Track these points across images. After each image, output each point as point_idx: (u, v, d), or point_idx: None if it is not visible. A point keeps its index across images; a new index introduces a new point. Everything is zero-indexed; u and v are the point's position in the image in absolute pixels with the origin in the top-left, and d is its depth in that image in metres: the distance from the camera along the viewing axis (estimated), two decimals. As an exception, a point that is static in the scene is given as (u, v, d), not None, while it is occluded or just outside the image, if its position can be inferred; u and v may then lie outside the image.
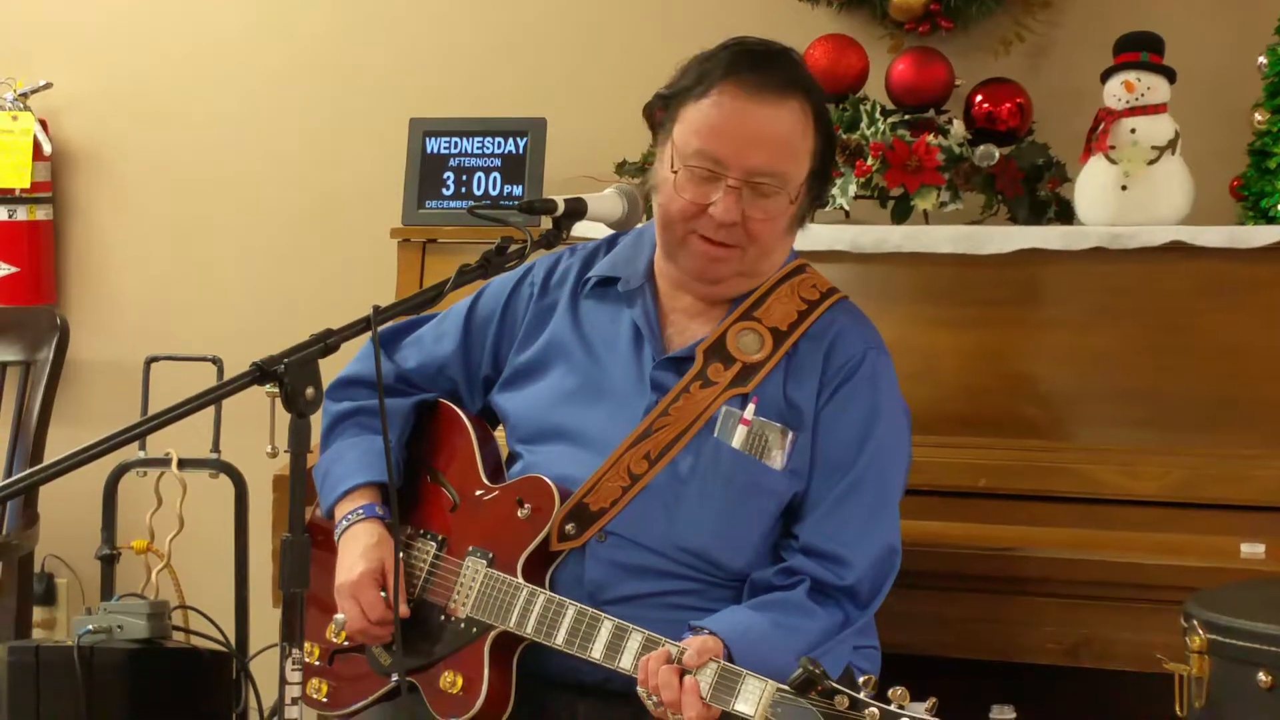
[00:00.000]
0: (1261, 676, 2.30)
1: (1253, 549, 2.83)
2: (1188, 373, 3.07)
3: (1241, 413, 3.03)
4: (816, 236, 3.19)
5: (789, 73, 2.54)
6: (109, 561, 3.64)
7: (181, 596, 3.69)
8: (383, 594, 2.51)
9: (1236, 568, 2.79)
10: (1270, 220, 3.19)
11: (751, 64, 2.52)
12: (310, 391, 2.10)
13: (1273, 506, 2.93)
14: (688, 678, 2.28)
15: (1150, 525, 2.96)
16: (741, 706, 2.25)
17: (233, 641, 3.49)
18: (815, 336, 2.57)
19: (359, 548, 2.54)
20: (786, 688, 2.19)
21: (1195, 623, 2.40)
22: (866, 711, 2.12)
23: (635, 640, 2.36)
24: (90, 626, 3.25)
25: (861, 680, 2.14)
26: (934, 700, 2.14)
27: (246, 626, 3.65)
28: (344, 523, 2.60)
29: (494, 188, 3.70)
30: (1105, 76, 3.26)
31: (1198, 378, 3.06)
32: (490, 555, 2.53)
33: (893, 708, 2.11)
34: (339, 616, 2.51)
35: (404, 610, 2.54)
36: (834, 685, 2.13)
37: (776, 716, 2.21)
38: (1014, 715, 2.32)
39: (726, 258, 2.54)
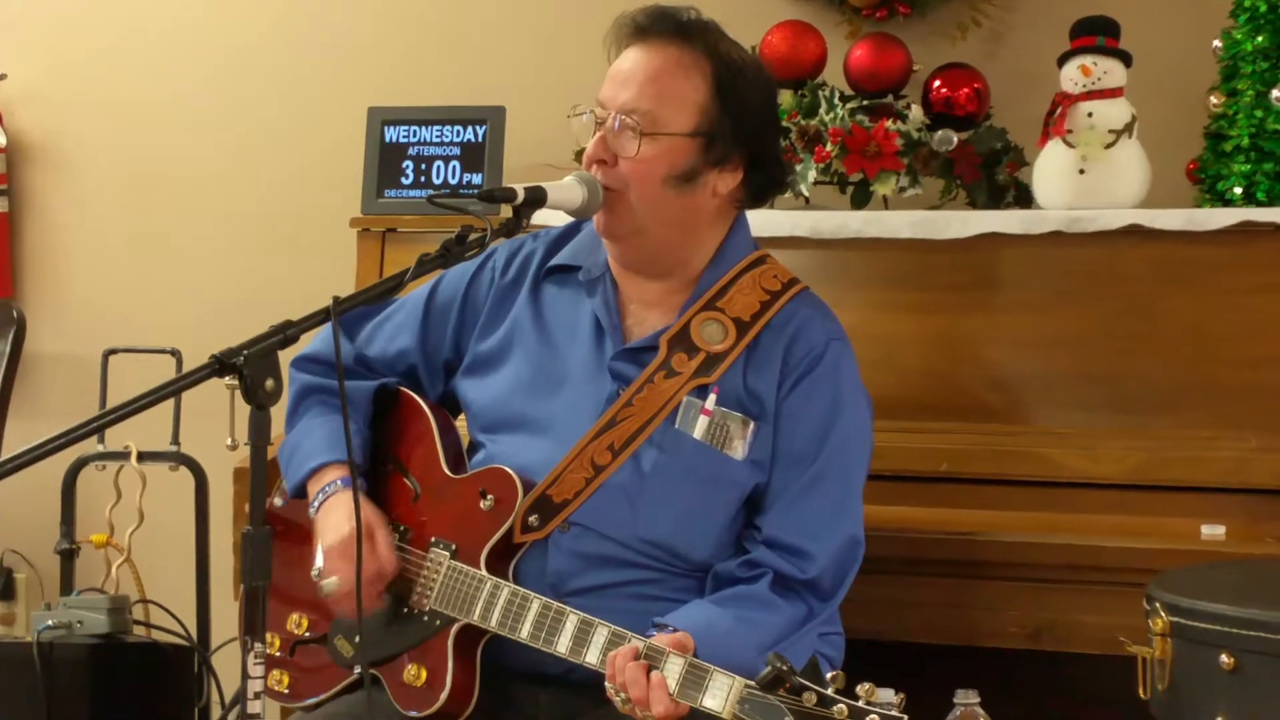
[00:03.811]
0: (1224, 658, 2.30)
1: (1213, 530, 2.85)
2: (1147, 355, 3.08)
3: (1200, 395, 3.04)
4: (776, 223, 3.22)
5: (681, 26, 2.57)
6: (68, 556, 3.62)
7: (142, 591, 3.67)
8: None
9: (1197, 549, 2.80)
10: (1227, 203, 3.20)
11: (647, 15, 2.58)
12: (270, 383, 2.08)
13: (1232, 488, 2.94)
14: (655, 673, 2.27)
15: (1111, 508, 2.97)
16: (709, 702, 2.24)
17: (194, 635, 3.48)
18: (777, 327, 2.57)
19: (344, 511, 2.51)
20: (754, 684, 2.18)
21: (1157, 605, 2.41)
22: (835, 708, 2.11)
23: (601, 635, 2.36)
24: (50, 622, 3.23)
25: (830, 676, 2.13)
26: (902, 696, 2.13)
27: (208, 620, 3.63)
28: (321, 495, 2.58)
29: (453, 176, 3.69)
30: (1062, 61, 3.27)
31: (1157, 360, 3.07)
32: (453, 547, 2.52)
33: (861, 704, 2.11)
34: (328, 581, 2.46)
35: (394, 564, 2.52)
36: (802, 682, 2.12)
37: (745, 713, 2.20)
38: (977, 700, 2.32)
39: (612, 206, 2.54)
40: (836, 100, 3.43)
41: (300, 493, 2.63)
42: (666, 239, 2.58)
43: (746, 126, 2.57)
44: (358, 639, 2.54)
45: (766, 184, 2.65)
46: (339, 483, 2.58)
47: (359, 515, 2.22)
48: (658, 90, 2.53)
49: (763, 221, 3.09)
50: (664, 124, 2.52)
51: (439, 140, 3.72)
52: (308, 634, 2.63)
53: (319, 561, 2.53)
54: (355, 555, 2.44)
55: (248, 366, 2.06)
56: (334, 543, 2.51)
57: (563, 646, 2.38)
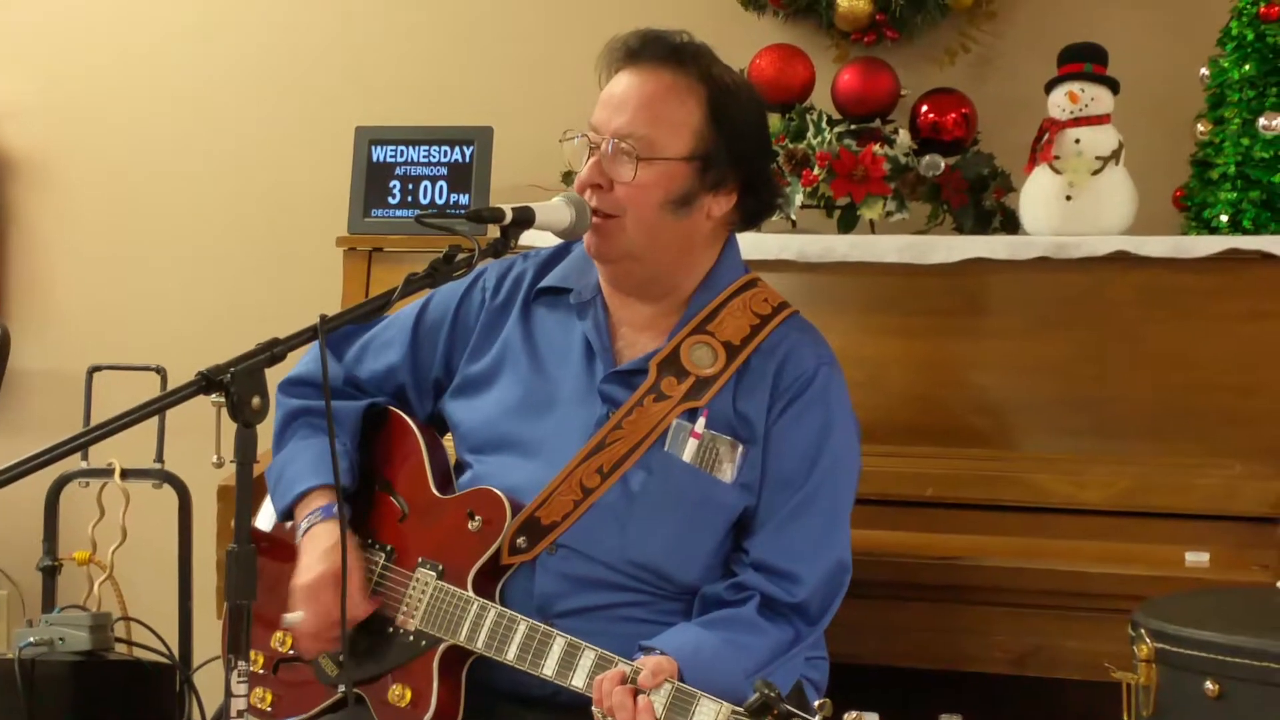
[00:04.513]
0: (1208, 685, 2.30)
1: (1197, 557, 2.85)
2: (1133, 382, 3.09)
3: (1186, 422, 3.05)
4: (764, 245, 3.22)
5: (674, 50, 2.56)
6: (50, 573, 3.61)
7: (124, 608, 3.66)
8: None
9: (1181, 576, 2.81)
10: (1212, 230, 3.21)
11: (639, 40, 2.57)
12: (256, 401, 2.07)
13: (1217, 515, 2.94)
14: (642, 698, 2.27)
15: (1096, 534, 2.98)
16: (696, 729, 2.24)
17: (176, 653, 3.46)
18: (767, 351, 2.56)
19: (318, 550, 2.51)
20: (741, 710, 2.17)
21: (1143, 631, 2.41)
22: (822, 736, 2.10)
23: (588, 658, 2.35)
24: (31, 639, 3.22)
25: (817, 704, 2.12)
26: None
27: (190, 638, 3.62)
28: (304, 525, 2.58)
29: (440, 196, 3.69)
30: (1049, 87, 3.28)
31: (1143, 387, 3.08)
32: (440, 567, 2.51)
33: (848, 732, 2.10)
34: (289, 616, 2.47)
35: (365, 609, 2.52)
36: (789, 709, 2.10)
37: (731, 739, 2.20)
38: (962, 725, 2.32)
39: (606, 229, 2.53)
40: (824, 124, 3.44)
41: (288, 515, 2.63)
42: (660, 262, 2.57)
43: (741, 149, 2.57)
44: (342, 658, 2.53)
45: (760, 207, 2.65)
46: (320, 512, 2.57)
47: (344, 547, 2.22)
48: (652, 115, 2.52)
49: (750, 244, 3.09)
50: (660, 148, 2.51)
51: (426, 160, 3.72)
52: (291, 651, 2.62)
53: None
54: (323, 598, 2.45)
55: (234, 384, 2.06)
56: (301, 583, 2.50)
57: (549, 669, 2.37)
